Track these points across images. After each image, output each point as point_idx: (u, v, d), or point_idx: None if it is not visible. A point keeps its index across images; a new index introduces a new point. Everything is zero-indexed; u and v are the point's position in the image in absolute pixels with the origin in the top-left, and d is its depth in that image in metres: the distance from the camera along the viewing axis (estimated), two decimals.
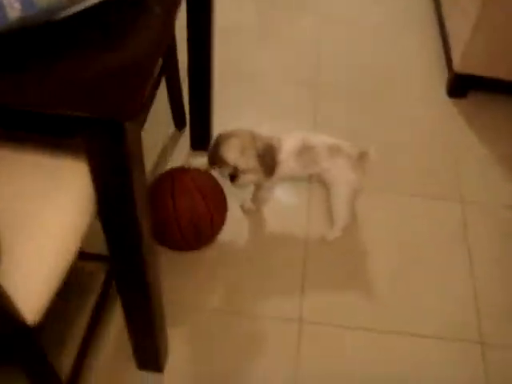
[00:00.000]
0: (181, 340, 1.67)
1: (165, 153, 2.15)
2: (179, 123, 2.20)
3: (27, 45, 0.97)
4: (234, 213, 1.93)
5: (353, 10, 2.89)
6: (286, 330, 1.72)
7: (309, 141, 1.77)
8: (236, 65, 2.52)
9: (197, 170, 1.78)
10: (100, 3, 1.03)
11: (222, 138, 1.73)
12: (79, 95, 0.92)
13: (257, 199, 1.96)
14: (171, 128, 2.23)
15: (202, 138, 2.11)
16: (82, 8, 1.01)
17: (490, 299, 1.83)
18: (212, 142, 1.77)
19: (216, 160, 1.73)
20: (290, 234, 1.96)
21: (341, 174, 1.79)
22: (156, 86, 1.89)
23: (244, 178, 1.77)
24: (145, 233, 1.16)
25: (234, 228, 1.92)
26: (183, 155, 2.15)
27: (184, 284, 1.78)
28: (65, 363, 1.43)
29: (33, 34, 0.98)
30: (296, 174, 1.86)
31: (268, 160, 1.74)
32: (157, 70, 0.98)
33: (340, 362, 1.66)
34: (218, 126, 2.06)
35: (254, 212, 1.97)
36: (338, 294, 1.82)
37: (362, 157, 1.77)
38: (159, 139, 2.18)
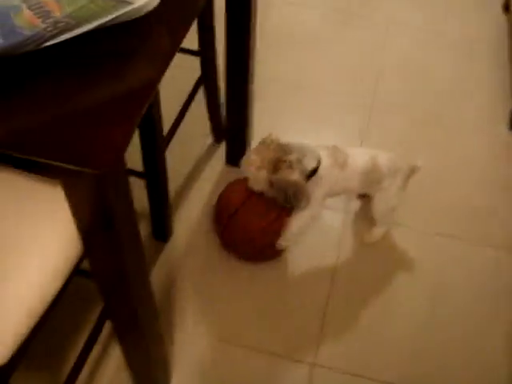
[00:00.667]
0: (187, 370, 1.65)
1: (199, 166, 2.08)
2: (217, 136, 2.12)
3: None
4: None
5: (426, 23, 2.76)
6: (297, 371, 1.65)
7: (376, 160, 1.70)
8: (288, 75, 2.43)
9: None
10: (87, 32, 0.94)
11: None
12: (49, 137, 0.84)
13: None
14: (209, 140, 2.13)
15: (237, 154, 2.02)
16: (67, 37, 0.92)
17: None
18: None
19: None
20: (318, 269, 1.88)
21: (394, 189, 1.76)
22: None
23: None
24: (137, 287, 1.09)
25: None
26: (217, 170, 2.05)
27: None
28: None
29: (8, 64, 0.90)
30: (349, 193, 1.85)
31: (286, 192, 1.54)
32: (142, 114, 0.88)
33: None
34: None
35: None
36: (356, 340, 1.73)
37: (412, 171, 1.77)
38: (195, 151, 2.12)
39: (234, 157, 2.04)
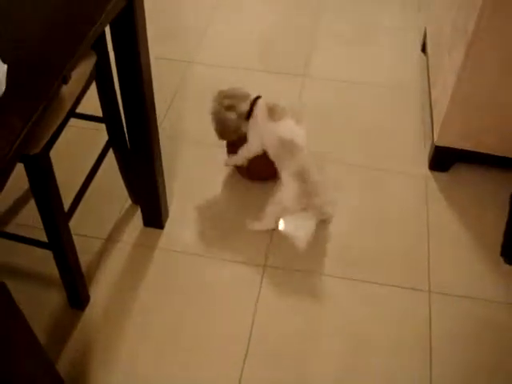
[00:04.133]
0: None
1: (117, 228, 2.06)
2: (135, 197, 2.10)
3: None
4: None
5: (347, 70, 2.82)
6: None
7: (296, 139, 1.93)
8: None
9: None
10: None
11: None
12: None
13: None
14: (128, 202, 2.13)
15: (152, 215, 2.01)
16: None
17: None
18: None
19: None
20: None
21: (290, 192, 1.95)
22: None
23: None
24: None
25: None
26: (136, 232, 2.04)
27: None
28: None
29: None
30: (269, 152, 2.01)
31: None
32: None
33: None
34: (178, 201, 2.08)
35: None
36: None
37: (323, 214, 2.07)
38: (114, 213, 2.09)
39: (150, 219, 2.03)
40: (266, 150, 1.98)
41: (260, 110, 1.98)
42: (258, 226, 2.04)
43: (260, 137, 1.99)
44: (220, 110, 2.00)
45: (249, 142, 2.03)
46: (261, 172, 2.17)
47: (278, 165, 1.95)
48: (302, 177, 1.86)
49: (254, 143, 2.02)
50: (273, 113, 1.95)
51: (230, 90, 2.02)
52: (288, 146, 1.90)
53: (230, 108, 1.99)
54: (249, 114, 1.99)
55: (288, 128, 1.93)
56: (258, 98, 2.00)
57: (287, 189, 1.90)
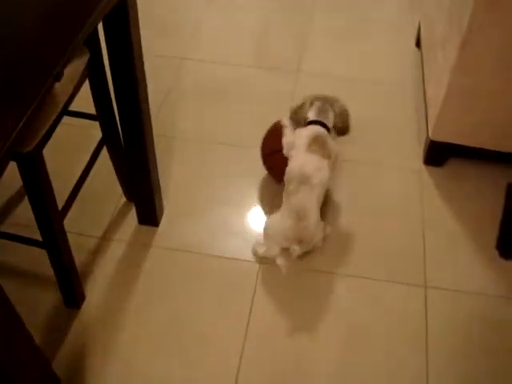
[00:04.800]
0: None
1: (112, 226, 2.05)
2: (129, 195, 2.09)
3: None
4: None
5: (341, 66, 2.82)
6: None
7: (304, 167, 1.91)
8: (201, 130, 2.43)
9: None
10: None
11: None
12: None
13: None
14: (122, 199, 2.12)
15: (147, 213, 2.00)
16: None
17: None
18: None
19: None
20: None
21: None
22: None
23: None
24: None
25: None
26: (130, 230, 2.03)
27: None
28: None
29: None
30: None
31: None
32: None
33: None
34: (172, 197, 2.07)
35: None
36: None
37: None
38: (108, 212, 2.09)
39: (145, 216, 2.02)
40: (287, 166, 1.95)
41: (304, 135, 1.95)
42: (265, 252, 1.96)
43: (290, 147, 2.00)
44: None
45: (287, 138, 2.04)
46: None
47: (284, 191, 1.92)
48: (297, 215, 1.84)
49: (285, 143, 2.04)
50: (313, 144, 1.91)
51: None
52: (298, 179, 1.87)
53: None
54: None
55: (310, 163, 1.89)
56: (318, 123, 1.97)
57: (281, 223, 1.88)
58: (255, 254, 1.98)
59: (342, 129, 1.98)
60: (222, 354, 1.74)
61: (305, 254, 1.93)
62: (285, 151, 1.98)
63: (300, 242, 1.85)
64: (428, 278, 1.94)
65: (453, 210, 2.15)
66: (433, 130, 2.20)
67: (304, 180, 1.84)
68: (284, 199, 1.89)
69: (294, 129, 2.01)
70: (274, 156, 2.08)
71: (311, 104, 2.00)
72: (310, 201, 1.85)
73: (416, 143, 2.38)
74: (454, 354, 1.77)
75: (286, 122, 2.06)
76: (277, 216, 1.89)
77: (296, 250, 1.84)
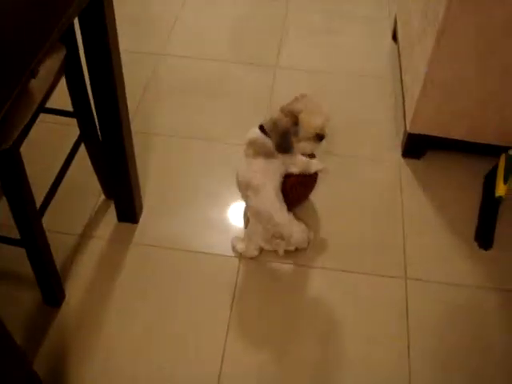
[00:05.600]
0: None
1: (91, 224, 2.04)
2: (108, 192, 2.08)
3: None
4: None
5: (319, 60, 2.82)
6: None
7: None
8: (181, 126, 2.42)
9: None
10: None
11: None
12: None
13: None
14: (102, 197, 2.10)
15: (126, 210, 1.99)
16: None
17: None
18: None
19: None
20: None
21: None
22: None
23: None
24: None
25: None
26: (110, 227, 2.02)
27: None
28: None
29: None
30: None
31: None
32: None
33: None
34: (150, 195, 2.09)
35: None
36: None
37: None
38: (87, 209, 2.07)
39: (124, 213, 2.01)
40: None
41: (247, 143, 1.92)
42: (244, 252, 1.99)
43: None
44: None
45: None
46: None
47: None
48: (262, 218, 1.87)
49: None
50: (249, 148, 1.90)
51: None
52: (243, 186, 1.90)
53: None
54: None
55: (246, 168, 1.91)
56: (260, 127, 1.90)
57: (252, 226, 1.93)
58: (233, 249, 1.98)
59: (317, 135, 1.92)
60: (204, 351, 1.74)
61: (289, 253, 1.92)
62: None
63: (282, 238, 1.88)
64: (408, 270, 1.95)
65: (432, 202, 2.16)
66: (410, 123, 2.21)
67: (246, 186, 1.88)
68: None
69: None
70: None
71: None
72: (261, 202, 1.86)
73: (394, 136, 2.39)
74: (434, 344, 1.79)
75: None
76: (251, 224, 1.93)
77: (281, 243, 1.88)
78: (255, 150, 1.87)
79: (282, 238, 1.89)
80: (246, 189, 1.88)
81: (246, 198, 1.91)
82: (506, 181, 2.08)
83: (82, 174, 2.07)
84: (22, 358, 1.44)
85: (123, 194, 1.95)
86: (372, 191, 2.19)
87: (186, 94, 2.56)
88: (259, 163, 1.87)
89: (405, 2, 2.62)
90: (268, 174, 1.87)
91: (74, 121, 1.82)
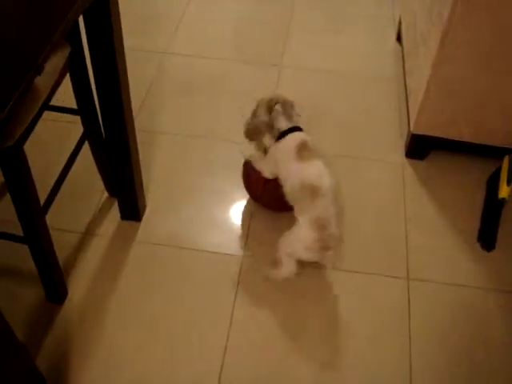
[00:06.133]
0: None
1: (94, 222, 2.04)
2: (111, 190, 2.08)
3: None
4: None
5: (323, 60, 2.82)
6: None
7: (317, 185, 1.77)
8: (184, 124, 2.44)
9: None
10: None
11: None
12: None
13: None
14: (105, 194, 2.11)
15: (130, 208, 1.99)
16: None
17: None
18: None
19: None
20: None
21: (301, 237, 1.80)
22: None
23: None
24: None
25: None
26: (113, 225, 2.02)
27: None
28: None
29: None
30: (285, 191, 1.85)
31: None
32: None
33: None
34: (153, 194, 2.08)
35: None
36: None
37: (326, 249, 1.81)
38: (91, 207, 2.08)
39: (128, 211, 2.01)
40: (283, 186, 1.85)
41: (290, 143, 1.84)
42: (278, 274, 1.88)
43: (277, 165, 1.87)
44: (257, 116, 1.88)
45: (264, 164, 1.95)
46: (274, 202, 2.01)
47: (295, 207, 1.81)
48: (321, 225, 1.73)
49: (266, 169, 1.94)
50: (302, 150, 1.80)
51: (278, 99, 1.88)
52: (310, 191, 1.75)
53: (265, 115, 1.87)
54: (280, 137, 1.87)
55: (315, 171, 1.78)
56: (296, 129, 1.86)
57: (304, 235, 1.76)
58: (268, 277, 1.91)
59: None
60: (206, 349, 1.74)
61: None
62: (268, 174, 1.93)
63: (328, 249, 1.78)
64: (410, 270, 1.95)
65: (435, 202, 2.16)
66: (414, 124, 2.21)
67: (314, 189, 1.74)
68: (298, 215, 1.79)
69: (260, 147, 1.95)
70: (265, 188, 2.00)
71: (269, 109, 1.87)
72: (328, 207, 1.76)
73: (398, 136, 2.39)
74: (436, 344, 1.79)
75: (248, 155, 2.02)
76: (295, 233, 1.79)
77: (330, 254, 1.77)
78: (309, 151, 1.81)
79: (328, 248, 1.77)
80: (311, 194, 1.74)
81: (307, 204, 1.76)
82: (509, 183, 2.07)
83: (86, 172, 2.07)
84: (24, 355, 1.44)
85: (127, 191, 1.95)
86: (375, 191, 2.19)
87: (191, 92, 2.56)
88: (320, 165, 1.80)
89: (409, 3, 2.62)
90: (328, 177, 1.79)
91: (77, 118, 1.82)
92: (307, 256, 1.80)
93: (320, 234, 1.72)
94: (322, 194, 1.73)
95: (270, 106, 1.85)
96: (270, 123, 1.86)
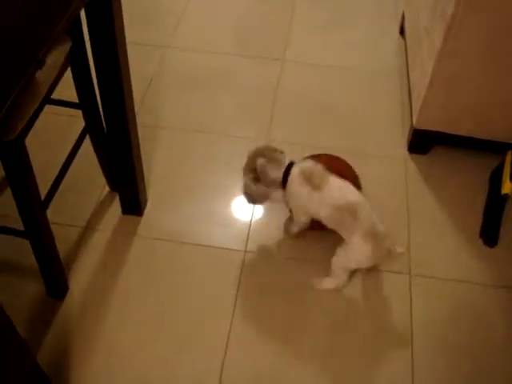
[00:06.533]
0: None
1: (95, 216, 2.04)
2: (112, 184, 2.07)
3: None
4: None
5: (325, 55, 2.80)
6: None
7: (354, 203, 1.74)
8: (186, 118, 2.44)
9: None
10: None
11: None
12: None
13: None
14: (106, 189, 2.10)
15: (131, 203, 1.98)
16: None
17: None
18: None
19: None
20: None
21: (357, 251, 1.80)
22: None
23: None
24: None
25: None
26: (114, 220, 2.01)
27: None
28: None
29: None
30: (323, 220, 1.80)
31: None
32: None
33: None
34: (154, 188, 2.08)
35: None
36: None
37: (388, 252, 1.80)
38: (92, 201, 2.07)
39: (129, 206, 2.01)
40: (319, 220, 1.81)
41: (296, 181, 1.78)
42: (328, 283, 1.89)
43: (304, 208, 1.83)
44: (249, 184, 1.83)
45: (295, 216, 1.92)
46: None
47: (341, 232, 1.78)
48: (373, 234, 1.72)
49: (300, 217, 1.89)
50: (311, 180, 1.75)
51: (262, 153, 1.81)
52: (347, 210, 1.72)
53: (257, 180, 1.80)
54: (284, 183, 1.80)
55: (338, 193, 1.75)
56: (291, 165, 1.79)
57: (362, 249, 1.75)
58: (321, 288, 1.90)
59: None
60: (207, 344, 1.74)
61: (293, 248, 1.95)
62: (304, 221, 1.91)
63: (387, 250, 1.77)
64: (412, 266, 1.94)
65: (437, 197, 2.15)
66: (417, 118, 2.20)
67: (350, 208, 1.73)
68: (348, 237, 1.77)
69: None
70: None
71: (254, 173, 1.81)
72: (370, 215, 1.75)
73: (400, 131, 2.38)
74: (438, 341, 1.78)
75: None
76: (353, 250, 1.78)
77: (399, 249, 1.78)
78: (319, 178, 1.77)
79: (388, 248, 1.77)
80: (350, 214, 1.73)
81: (348, 224, 1.75)
82: None
83: (87, 166, 2.06)
84: (25, 350, 1.44)
85: (128, 186, 1.94)
86: (377, 186, 2.18)
87: (192, 86, 2.55)
88: (335, 183, 1.77)
89: None
90: (351, 187, 1.79)
91: (79, 112, 1.81)
92: (370, 264, 1.82)
93: (375, 241, 1.72)
94: (359, 208, 1.72)
95: (251, 169, 1.80)
96: (266, 182, 1.79)
